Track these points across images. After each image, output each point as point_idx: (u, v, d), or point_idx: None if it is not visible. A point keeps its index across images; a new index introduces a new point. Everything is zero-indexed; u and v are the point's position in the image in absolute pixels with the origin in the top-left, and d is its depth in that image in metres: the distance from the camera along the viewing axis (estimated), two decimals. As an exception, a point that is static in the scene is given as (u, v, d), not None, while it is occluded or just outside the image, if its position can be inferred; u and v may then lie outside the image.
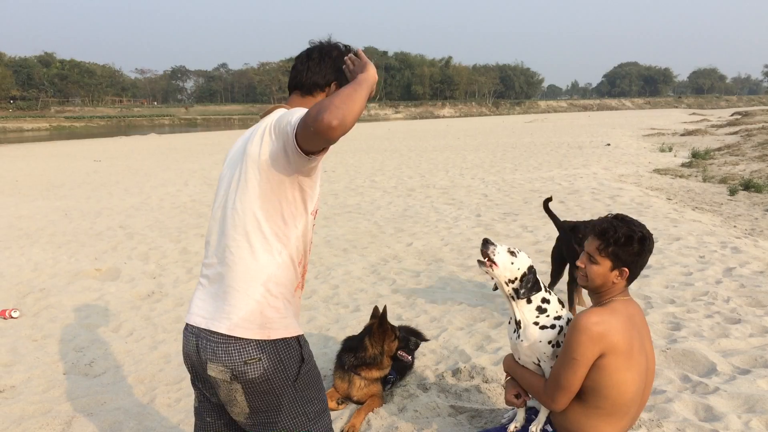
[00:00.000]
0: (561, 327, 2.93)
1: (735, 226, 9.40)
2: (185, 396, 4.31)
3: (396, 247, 8.56)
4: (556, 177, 15.11)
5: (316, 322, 5.76)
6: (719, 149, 21.62)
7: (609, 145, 24.64)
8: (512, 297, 2.99)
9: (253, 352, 2.12)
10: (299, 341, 2.26)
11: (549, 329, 2.92)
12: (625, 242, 2.70)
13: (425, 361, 4.80)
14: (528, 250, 8.03)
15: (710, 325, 5.15)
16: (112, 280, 7.41)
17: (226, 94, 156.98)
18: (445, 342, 5.12)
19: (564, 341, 2.79)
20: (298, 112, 2.03)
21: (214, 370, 2.14)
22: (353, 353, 4.04)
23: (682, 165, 17.41)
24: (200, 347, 2.18)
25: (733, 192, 12.39)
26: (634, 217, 9.70)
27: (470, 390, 4.22)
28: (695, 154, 19.13)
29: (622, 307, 2.77)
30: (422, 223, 10.15)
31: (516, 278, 2.98)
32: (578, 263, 2.85)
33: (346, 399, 4.09)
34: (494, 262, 2.98)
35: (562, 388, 2.75)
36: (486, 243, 2.99)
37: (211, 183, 16.84)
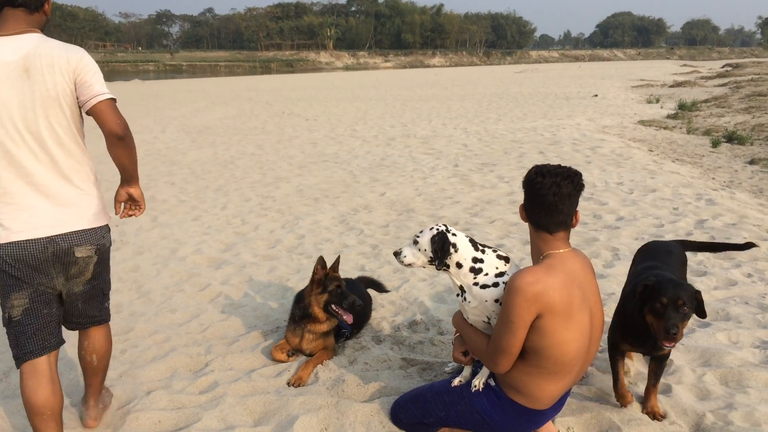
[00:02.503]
0: (505, 283, 2.79)
1: (713, 178, 9.29)
2: (131, 347, 4.20)
3: (368, 197, 8.39)
4: (539, 128, 14.89)
5: (276, 272, 5.63)
6: (706, 101, 21.39)
7: (596, 96, 24.34)
8: (441, 270, 2.88)
9: (105, 229, 2.89)
10: None
11: (492, 288, 2.78)
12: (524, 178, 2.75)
13: (383, 312, 4.69)
14: (502, 201, 7.90)
15: (675, 278, 5.06)
16: (73, 228, 7.22)
17: (212, 40, 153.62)
18: (406, 293, 5.01)
19: (502, 304, 2.67)
20: (99, 82, 2.68)
21: (82, 251, 2.75)
22: (298, 305, 3.92)
23: (668, 117, 17.20)
24: (57, 243, 2.67)
25: (715, 144, 12.25)
26: (612, 168, 9.57)
27: (424, 342, 4.12)
28: (682, 106, 18.90)
29: (559, 262, 2.63)
30: (398, 173, 9.97)
31: (431, 257, 2.89)
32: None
33: (297, 351, 3.99)
34: (410, 264, 2.97)
35: (502, 352, 2.64)
36: (396, 255, 3.00)
37: (190, 130, 16.51)
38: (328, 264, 3.96)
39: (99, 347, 3.08)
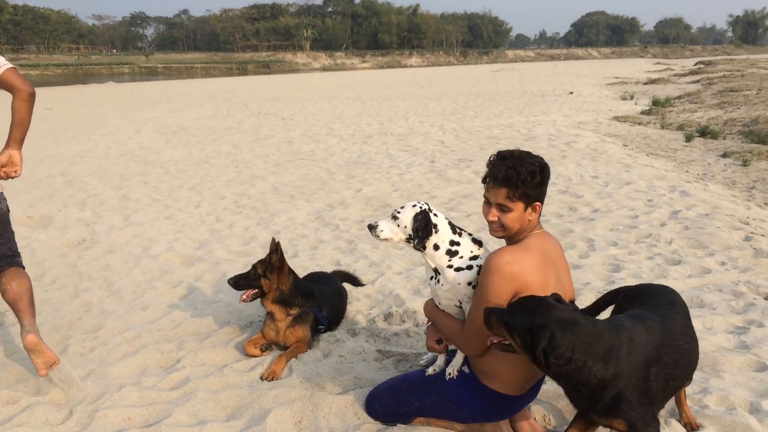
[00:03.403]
0: (479, 266, 2.75)
1: (687, 171, 9.38)
2: (100, 345, 4.10)
3: (344, 194, 8.34)
4: (515, 124, 14.95)
5: (251, 268, 5.54)
6: (679, 97, 21.65)
7: (572, 93, 24.50)
8: (418, 249, 2.81)
9: (2, 197, 3.35)
10: None
11: (465, 270, 2.74)
12: (531, 179, 2.55)
13: (358, 306, 4.64)
14: (478, 195, 7.88)
15: (650, 267, 5.09)
16: (42, 227, 7.07)
17: (187, 42, 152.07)
18: (381, 287, 4.97)
19: (478, 284, 2.64)
20: (2, 58, 3.19)
21: None
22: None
23: (642, 113, 17.36)
24: None
25: (689, 138, 12.38)
26: (587, 162, 9.60)
27: (399, 334, 4.08)
28: (655, 102, 19.09)
29: (537, 242, 2.61)
30: (374, 170, 9.92)
31: (410, 234, 2.79)
32: (490, 218, 2.66)
33: (273, 344, 3.93)
34: (386, 239, 2.83)
35: (478, 332, 2.61)
36: (370, 229, 2.85)
37: (164, 131, 16.30)
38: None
39: (14, 276, 3.37)
